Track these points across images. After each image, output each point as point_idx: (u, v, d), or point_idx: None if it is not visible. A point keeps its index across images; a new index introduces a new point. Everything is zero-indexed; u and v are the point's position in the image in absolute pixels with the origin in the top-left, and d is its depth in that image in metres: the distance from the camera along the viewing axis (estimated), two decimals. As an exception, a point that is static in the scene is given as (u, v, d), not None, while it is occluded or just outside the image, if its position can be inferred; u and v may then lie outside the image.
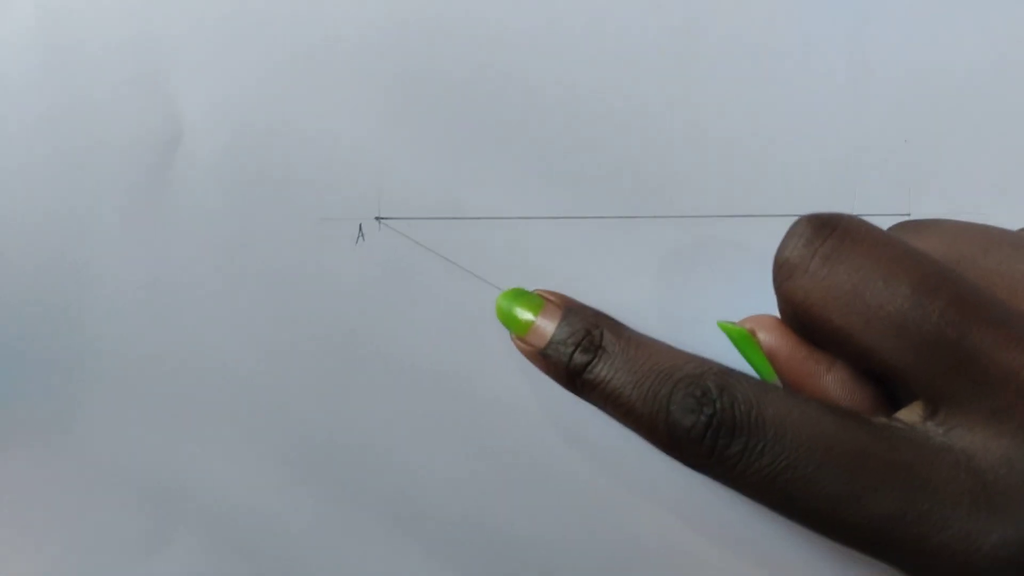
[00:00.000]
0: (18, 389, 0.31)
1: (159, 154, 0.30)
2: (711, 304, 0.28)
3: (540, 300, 0.26)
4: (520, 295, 0.26)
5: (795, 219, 0.21)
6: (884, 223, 0.27)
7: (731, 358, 0.23)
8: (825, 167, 0.27)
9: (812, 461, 0.20)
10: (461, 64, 0.29)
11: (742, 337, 0.23)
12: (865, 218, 0.27)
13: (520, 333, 0.26)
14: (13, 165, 0.30)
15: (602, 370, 0.23)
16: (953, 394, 0.19)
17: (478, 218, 0.29)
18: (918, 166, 0.26)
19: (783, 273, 0.21)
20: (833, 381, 0.22)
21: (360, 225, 0.30)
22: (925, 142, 0.26)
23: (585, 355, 0.24)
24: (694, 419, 0.21)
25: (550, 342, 0.25)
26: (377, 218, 0.29)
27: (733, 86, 0.27)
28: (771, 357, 0.22)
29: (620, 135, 0.28)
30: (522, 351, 0.26)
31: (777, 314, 0.23)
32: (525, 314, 0.26)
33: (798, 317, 0.21)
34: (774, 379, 0.23)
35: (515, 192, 0.29)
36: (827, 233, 0.20)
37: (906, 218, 0.27)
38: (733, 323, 0.24)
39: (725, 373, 0.21)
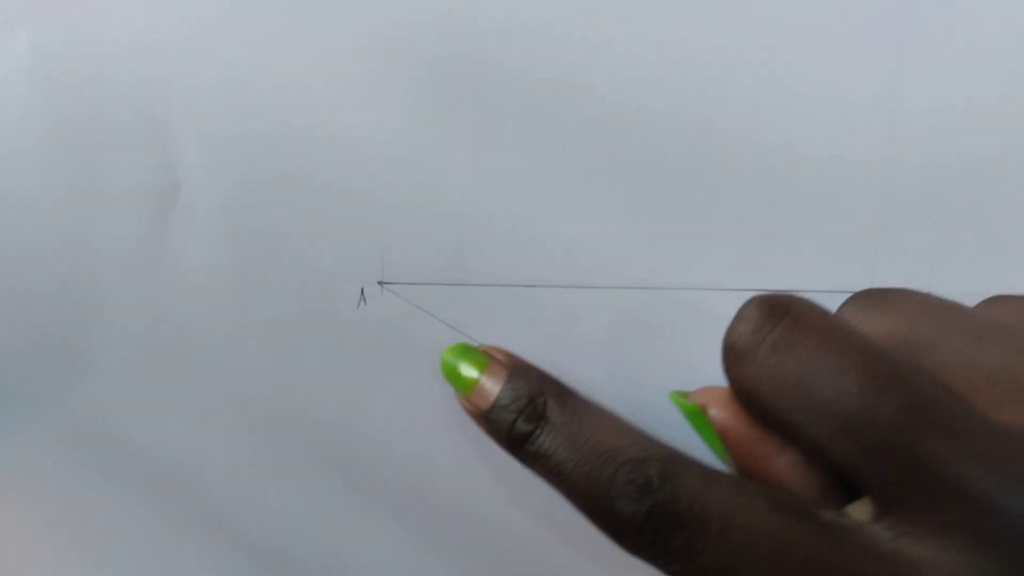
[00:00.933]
0: (16, 437, 0.30)
1: (156, 209, 0.29)
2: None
3: (486, 358, 0.25)
4: (466, 351, 0.26)
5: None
6: (904, 301, 0.26)
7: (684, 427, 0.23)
8: (846, 243, 0.26)
9: (756, 564, 0.19)
10: (466, 126, 0.28)
11: (694, 413, 0.22)
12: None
13: (464, 392, 0.25)
14: (4, 216, 0.29)
15: (544, 442, 0.22)
16: (903, 501, 0.18)
17: (482, 285, 0.28)
18: (941, 244, 0.26)
19: (731, 358, 0.20)
20: (785, 464, 0.21)
21: (362, 289, 0.29)
22: (950, 219, 0.26)
23: (527, 424, 0.23)
24: (635, 508, 0.20)
25: (493, 406, 0.24)
26: (380, 282, 0.29)
27: (754, 156, 0.27)
28: (723, 435, 0.21)
29: (632, 203, 0.27)
30: (466, 411, 0.25)
31: None
32: (470, 371, 0.25)
33: (747, 402, 0.21)
34: (725, 457, 0.22)
35: (522, 259, 0.28)
36: (776, 319, 0.20)
37: (927, 296, 0.26)
38: (685, 395, 0.23)
39: (670, 460, 0.20)
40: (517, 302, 0.28)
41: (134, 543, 0.31)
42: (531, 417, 0.23)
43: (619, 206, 0.28)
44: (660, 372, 0.28)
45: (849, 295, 0.26)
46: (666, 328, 0.28)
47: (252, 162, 0.29)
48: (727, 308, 0.27)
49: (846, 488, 0.20)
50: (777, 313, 0.20)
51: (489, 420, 0.24)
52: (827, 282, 0.27)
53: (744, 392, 0.20)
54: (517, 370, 0.24)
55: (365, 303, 0.29)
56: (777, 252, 0.27)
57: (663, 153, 0.27)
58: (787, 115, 0.27)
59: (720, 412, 0.22)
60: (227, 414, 0.30)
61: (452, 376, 0.25)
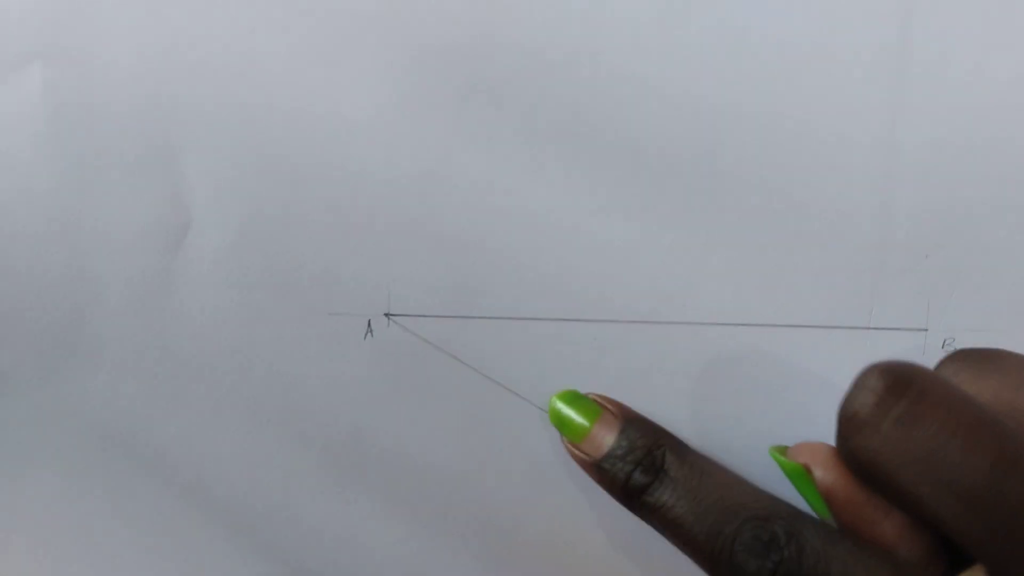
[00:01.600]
0: (22, 468, 0.30)
1: (166, 243, 0.29)
2: (727, 414, 0.28)
3: (597, 407, 0.25)
4: (577, 399, 0.26)
5: (864, 372, 0.20)
6: (901, 337, 0.27)
7: (771, 474, 0.23)
8: (843, 277, 0.27)
9: None
10: (473, 159, 0.28)
11: (797, 473, 0.22)
12: (882, 332, 0.27)
13: (574, 439, 0.25)
14: (16, 249, 0.30)
15: (663, 495, 0.22)
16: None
17: (489, 318, 0.29)
18: (938, 282, 0.27)
19: (850, 428, 0.20)
20: (891, 527, 0.21)
21: (369, 321, 0.29)
22: (947, 258, 0.27)
23: (646, 476, 0.23)
24: (759, 564, 0.20)
25: (607, 456, 0.24)
26: (386, 314, 0.29)
27: (754, 192, 0.27)
28: (827, 497, 0.21)
29: (637, 238, 0.28)
30: (576, 459, 0.25)
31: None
32: (581, 420, 0.25)
33: (862, 471, 0.21)
34: (827, 516, 0.22)
35: (529, 292, 0.28)
36: (901, 391, 0.19)
37: (924, 333, 0.27)
38: (783, 452, 0.23)
39: (794, 517, 0.21)
40: (524, 335, 0.29)
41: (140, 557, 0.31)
42: (648, 469, 0.23)
43: (624, 241, 0.28)
44: (669, 406, 0.28)
45: (848, 330, 0.27)
46: (669, 362, 0.28)
47: (261, 195, 0.29)
48: (725, 343, 0.28)
49: (949, 552, 0.20)
50: (901, 384, 0.19)
51: (602, 470, 0.24)
52: (825, 318, 0.27)
53: (861, 462, 0.20)
54: (631, 422, 0.24)
55: (372, 335, 0.29)
56: (775, 289, 0.27)
57: (668, 191, 0.28)
58: (787, 157, 0.27)
59: (825, 474, 0.22)
60: (235, 447, 0.30)
61: (562, 423, 0.25)
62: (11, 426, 0.31)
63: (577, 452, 0.25)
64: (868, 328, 0.27)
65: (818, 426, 0.27)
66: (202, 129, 0.29)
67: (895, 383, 0.20)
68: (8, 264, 0.30)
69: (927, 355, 0.26)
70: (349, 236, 0.29)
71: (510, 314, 0.29)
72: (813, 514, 0.22)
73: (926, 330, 0.27)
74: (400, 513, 0.30)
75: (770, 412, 0.28)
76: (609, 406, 0.25)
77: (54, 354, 0.30)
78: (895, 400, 0.19)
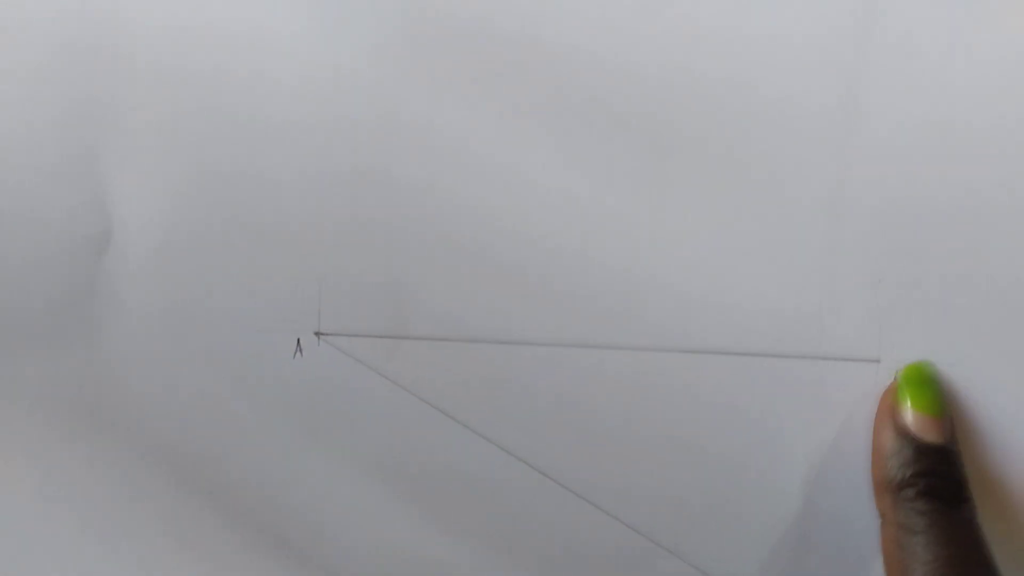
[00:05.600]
0: None
1: (86, 254, 0.28)
2: (664, 444, 0.26)
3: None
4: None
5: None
6: (852, 367, 0.26)
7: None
8: (792, 306, 0.26)
9: None
10: (408, 172, 0.27)
11: None
12: (831, 362, 0.26)
13: (929, 412, 0.24)
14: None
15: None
16: None
17: (422, 338, 0.27)
18: (890, 310, 0.25)
19: None
20: None
21: (298, 340, 0.28)
22: (899, 285, 0.25)
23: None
24: None
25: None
26: (316, 333, 0.28)
27: (700, 216, 0.26)
28: None
29: (576, 258, 0.27)
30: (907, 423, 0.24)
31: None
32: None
33: None
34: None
35: (464, 313, 0.27)
36: None
37: (876, 364, 0.25)
38: None
39: None
40: (459, 357, 0.27)
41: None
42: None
43: (561, 262, 0.27)
44: (603, 432, 0.27)
45: (795, 360, 0.26)
46: (605, 389, 0.27)
47: (184, 205, 0.28)
48: (667, 369, 0.26)
49: None
50: None
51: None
52: (769, 346, 0.26)
53: None
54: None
55: (301, 354, 0.28)
56: (724, 313, 0.26)
57: (611, 206, 0.26)
58: (734, 171, 0.26)
59: None
60: (158, 468, 0.29)
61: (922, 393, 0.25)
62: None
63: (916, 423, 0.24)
64: (816, 358, 0.25)
65: (759, 462, 0.26)
66: (123, 134, 0.28)
67: None
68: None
69: (880, 387, 0.25)
70: (277, 250, 0.28)
71: (446, 335, 0.27)
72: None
73: (879, 360, 0.25)
74: (329, 533, 0.29)
75: (709, 445, 0.26)
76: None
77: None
78: None
